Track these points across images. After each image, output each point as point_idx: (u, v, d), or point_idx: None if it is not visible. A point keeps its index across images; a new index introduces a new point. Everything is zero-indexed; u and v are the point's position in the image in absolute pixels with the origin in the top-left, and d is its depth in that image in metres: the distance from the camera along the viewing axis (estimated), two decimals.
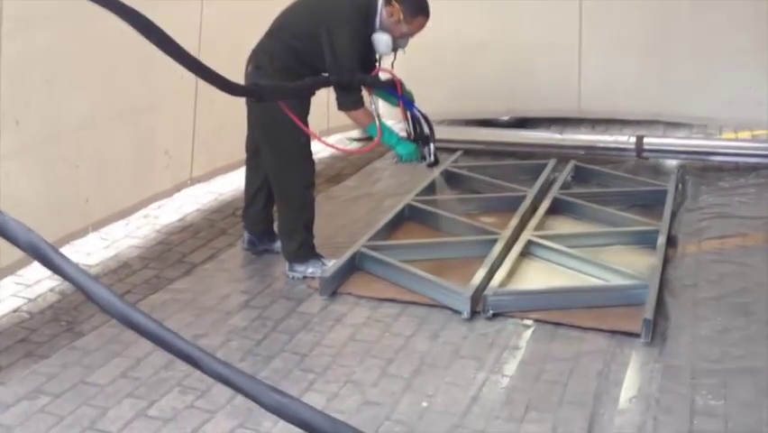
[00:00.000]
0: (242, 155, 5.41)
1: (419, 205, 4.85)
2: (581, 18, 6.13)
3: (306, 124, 3.90)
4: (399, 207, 4.78)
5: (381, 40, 3.81)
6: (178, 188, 4.87)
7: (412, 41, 4.07)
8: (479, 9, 6.20)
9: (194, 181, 5.00)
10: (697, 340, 3.44)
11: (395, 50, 3.90)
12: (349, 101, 3.86)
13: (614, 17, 6.06)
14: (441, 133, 6.50)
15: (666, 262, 4.13)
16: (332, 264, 4.02)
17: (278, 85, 3.74)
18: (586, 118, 6.66)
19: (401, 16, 3.81)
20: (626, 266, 4.03)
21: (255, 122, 4.05)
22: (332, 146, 4.27)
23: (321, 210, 4.93)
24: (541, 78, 6.31)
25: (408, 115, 4.03)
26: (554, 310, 3.69)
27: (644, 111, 6.27)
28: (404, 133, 4.13)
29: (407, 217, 4.80)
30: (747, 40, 5.76)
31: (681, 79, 6.01)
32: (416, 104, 4.08)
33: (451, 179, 5.53)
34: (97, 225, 4.29)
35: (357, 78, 3.81)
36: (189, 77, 4.75)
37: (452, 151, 6.04)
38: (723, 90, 5.91)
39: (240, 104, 5.19)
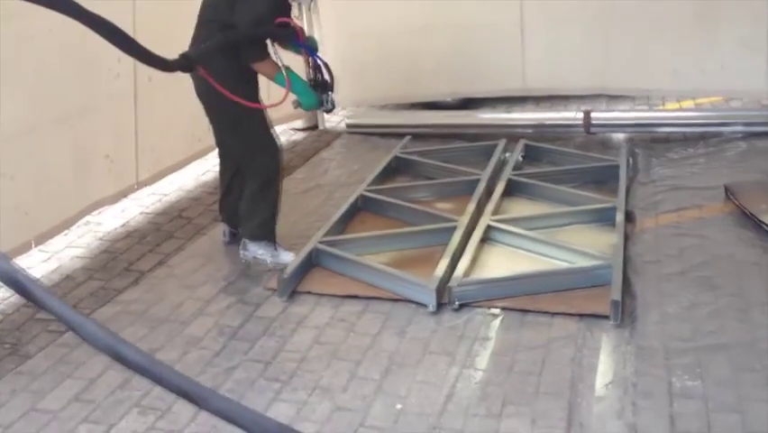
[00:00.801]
0: (187, 154, 5.25)
1: (372, 195, 4.72)
2: None
3: (254, 95, 3.94)
4: (352, 199, 4.65)
5: None
6: (123, 194, 4.66)
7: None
8: None
9: (141, 185, 4.78)
10: (666, 318, 3.40)
11: None
12: (254, 53, 3.88)
13: None
14: (387, 118, 6.52)
15: (626, 239, 4.10)
16: (287, 257, 3.99)
17: (199, 49, 3.75)
18: (530, 96, 6.60)
19: None
20: (587, 246, 3.99)
21: (210, 114, 4.06)
22: (265, 106, 4.12)
23: None
24: (485, 58, 6.23)
25: (311, 62, 4.06)
26: (521, 297, 3.61)
27: (588, 86, 6.25)
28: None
29: (361, 208, 4.68)
30: (689, 10, 5.78)
31: (624, 52, 6.01)
32: (320, 52, 4.13)
33: (402, 165, 5.42)
34: (40, 239, 4.06)
35: (260, 31, 3.86)
36: (127, 76, 4.56)
37: (401, 136, 5.93)
38: (666, 61, 5.93)
39: (182, 101, 5.00)
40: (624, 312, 3.41)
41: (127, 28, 4.35)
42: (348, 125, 6.40)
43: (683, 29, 5.85)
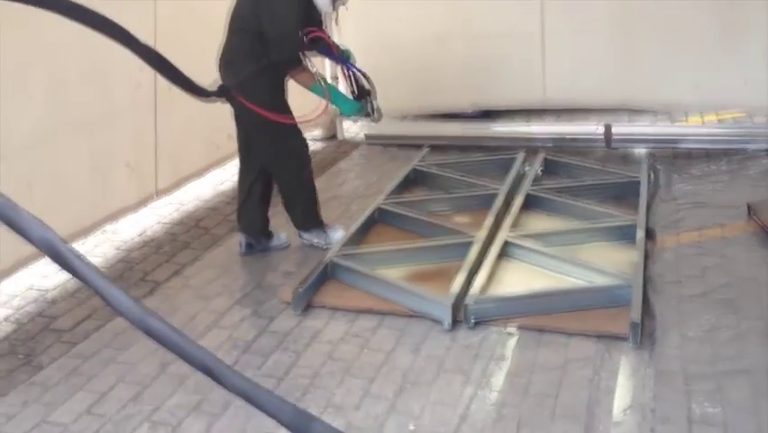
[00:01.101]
0: (206, 162, 5.25)
1: (390, 208, 4.69)
2: (543, 6, 6.03)
3: (286, 107, 4.07)
4: (369, 211, 4.62)
5: None
6: (143, 202, 4.66)
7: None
8: (438, 2, 6.05)
9: (160, 194, 4.78)
10: (686, 341, 3.33)
11: (335, 6, 4.06)
12: (292, 62, 4.00)
13: (575, 4, 5.95)
14: (406, 129, 6.49)
15: (646, 257, 4.03)
16: (338, 235, 4.27)
17: (239, 81, 3.86)
18: (551, 108, 6.55)
19: None
20: (607, 264, 3.93)
21: (239, 120, 4.18)
22: (301, 121, 4.24)
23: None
24: (505, 69, 6.20)
25: (348, 73, 4.14)
26: (538, 315, 3.56)
27: (609, 99, 6.19)
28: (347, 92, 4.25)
29: (378, 221, 4.65)
30: (711, 23, 5.71)
31: (646, 65, 5.95)
32: (357, 64, 4.20)
33: (420, 177, 5.38)
34: None
35: (293, 51, 3.98)
36: (147, 85, 4.57)
37: (419, 147, 5.90)
38: (688, 75, 5.86)
39: (201, 110, 4.99)
40: (643, 333, 3.35)
41: (149, 35, 4.44)
42: (366, 136, 6.38)
43: (706, 42, 5.78)
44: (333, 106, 4.22)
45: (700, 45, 5.80)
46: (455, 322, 3.52)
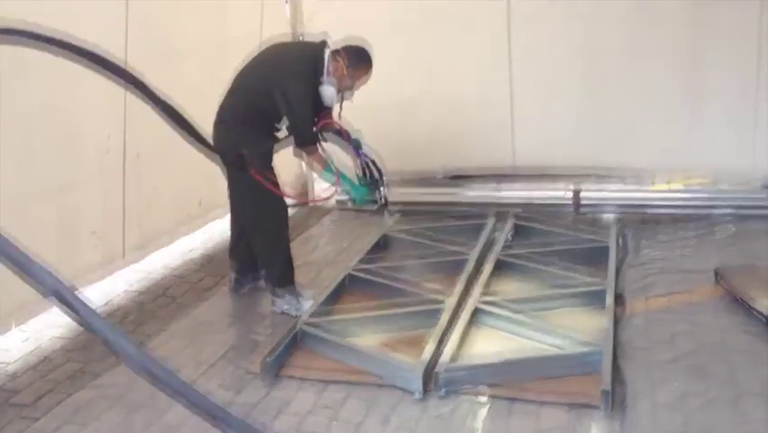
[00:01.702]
0: (175, 230, 5.23)
1: (360, 274, 4.67)
2: (511, 73, 6.14)
3: (271, 165, 4.24)
4: (340, 278, 4.60)
5: (328, 92, 4.13)
6: (109, 271, 4.59)
7: (344, 103, 4.29)
8: (411, 68, 6.17)
9: (126, 262, 4.72)
10: (657, 408, 3.31)
11: (341, 100, 4.21)
12: (307, 142, 4.18)
13: (543, 72, 6.08)
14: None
15: (616, 323, 4.04)
16: (309, 306, 4.21)
17: (256, 149, 4.10)
18: (520, 173, 6.62)
19: (344, 71, 4.13)
20: (577, 329, 3.92)
21: (228, 176, 4.33)
22: (299, 200, 4.64)
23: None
24: (475, 135, 6.27)
25: (359, 160, 4.28)
26: (509, 383, 3.53)
27: (577, 164, 6.27)
28: (355, 177, 4.36)
29: (349, 287, 4.62)
30: (676, 88, 5.84)
31: (613, 131, 6.06)
32: (365, 149, 4.34)
33: (390, 243, 5.39)
34: (21, 318, 3.98)
35: (313, 133, 4.17)
36: (116, 152, 4.55)
37: (390, 213, 5.91)
38: (654, 140, 5.97)
39: (171, 177, 5.02)
40: (614, 401, 3.32)
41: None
42: (338, 201, 6.38)
43: (671, 108, 5.91)
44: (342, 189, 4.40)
45: (666, 112, 5.92)
46: (426, 391, 3.47)
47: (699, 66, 5.74)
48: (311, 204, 4.25)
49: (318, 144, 4.24)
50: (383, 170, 4.29)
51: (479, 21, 6.04)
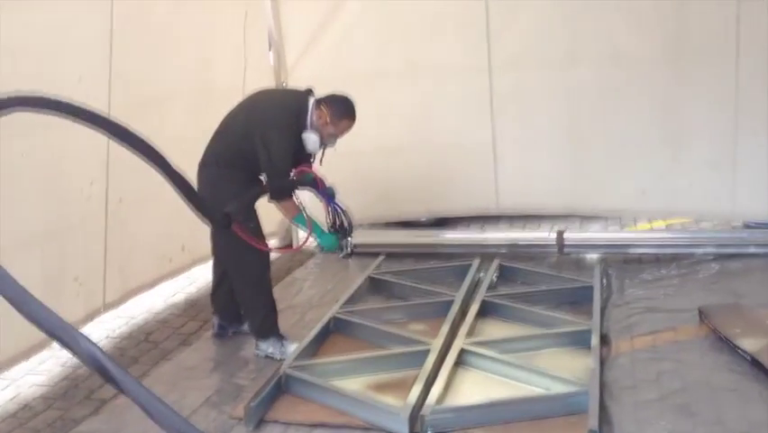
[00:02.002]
0: (157, 275, 5.19)
1: (345, 317, 4.65)
2: (494, 118, 6.20)
3: (260, 227, 4.28)
4: (324, 321, 4.57)
5: (310, 139, 4.17)
6: (90, 317, 4.54)
7: (328, 151, 4.34)
8: (395, 114, 6.22)
9: (107, 308, 4.67)
10: None
11: (323, 148, 4.26)
12: (282, 194, 4.19)
13: (525, 116, 6.15)
14: (362, 237, 6.48)
15: (602, 363, 4.03)
16: (293, 349, 4.15)
17: (239, 204, 4.03)
18: (504, 215, 6.66)
19: (328, 119, 4.18)
20: (563, 370, 3.91)
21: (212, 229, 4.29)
22: (278, 249, 4.64)
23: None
24: (458, 178, 6.32)
25: (330, 208, 4.31)
26: (495, 425, 3.50)
27: (560, 206, 6.33)
28: (324, 225, 4.37)
29: (333, 331, 4.59)
30: (655, 131, 5.92)
31: (594, 173, 6.11)
32: (338, 199, 4.35)
33: (375, 286, 5.38)
34: (3, 366, 3.91)
35: (286, 185, 4.18)
36: (98, 199, 4.53)
37: (374, 255, 5.92)
38: (635, 182, 6.03)
39: (153, 222, 4.99)
40: None
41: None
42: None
43: (650, 150, 5.97)
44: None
45: (646, 154, 5.98)
46: None
47: (678, 109, 5.82)
48: (295, 251, 4.26)
49: (292, 193, 4.27)
50: (352, 221, 4.36)
51: (461, 67, 6.12)
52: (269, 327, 4.36)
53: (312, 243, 4.59)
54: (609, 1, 5.76)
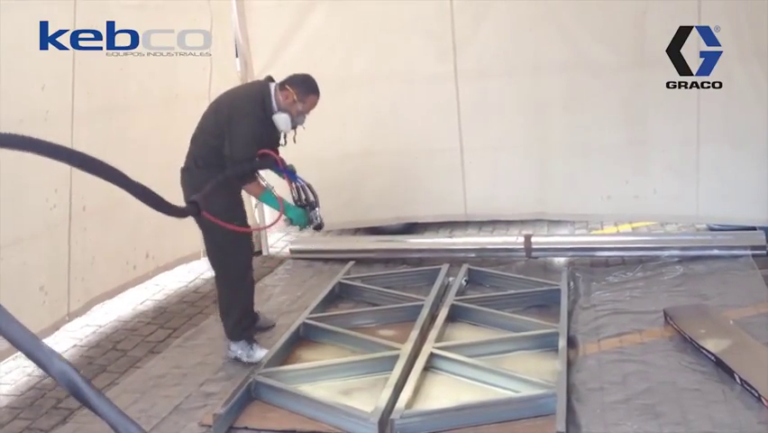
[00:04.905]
0: (121, 283, 5.14)
1: (314, 323, 4.65)
2: (461, 123, 6.24)
3: (244, 218, 4.42)
4: (294, 328, 4.57)
5: (281, 118, 4.31)
6: (56, 326, 4.49)
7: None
8: (362, 120, 6.24)
9: (72, 316, 4.62)
10: None
11: (294, 126, 4.38)
12: (245, 177, 4.25)
13: (492, 123, 6.20)
14: (331, 243, 6.52)
15: (569, 365, 4.07)
16: (261, 354, 4.27)
17: (203, 195, 3.79)
18: (472, 220, 6.70)
19: (295, 97, 4.31)
20: (531, 373, 3.95)
21: (199, 224, 4.29)
22: (262, 228, 4.90)
23: (212, 333, 4.68)
24: (427, 184, 6.35)
25: (294, 185, 4.43)
26: (465, 428, 3.52)
27: (527, 211, 6.39)
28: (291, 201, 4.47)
29: (303, 337, 4.59)
30: (620, 137, 6.00)
31: (560, 178, 6.18)
32: (299, 175, 4.47)
33: (345, 291, 5.38)
34: None
35: (248, 167, 4.25)
36: (62, 207, 4.48)
37: (344, 261, 5.93)
38: (600, 187, 6.11)
39: (116, 230, 4.94)
40: None
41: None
42: (291, 251, 6.38)
43: (615, 155, 6.04)
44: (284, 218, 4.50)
45: (609, 160, 6.06)
46: None
47: (643, 115, 5.91)
48: (268, 229, 4.32)
49: (258, 174, 4.37)
50: (317, 194, 4.44)
51: (428, 74, 6.15)
52: (241, 330, 4.40)
53: (283, 220, 4.67)
54: (573, 9, 5.84)
